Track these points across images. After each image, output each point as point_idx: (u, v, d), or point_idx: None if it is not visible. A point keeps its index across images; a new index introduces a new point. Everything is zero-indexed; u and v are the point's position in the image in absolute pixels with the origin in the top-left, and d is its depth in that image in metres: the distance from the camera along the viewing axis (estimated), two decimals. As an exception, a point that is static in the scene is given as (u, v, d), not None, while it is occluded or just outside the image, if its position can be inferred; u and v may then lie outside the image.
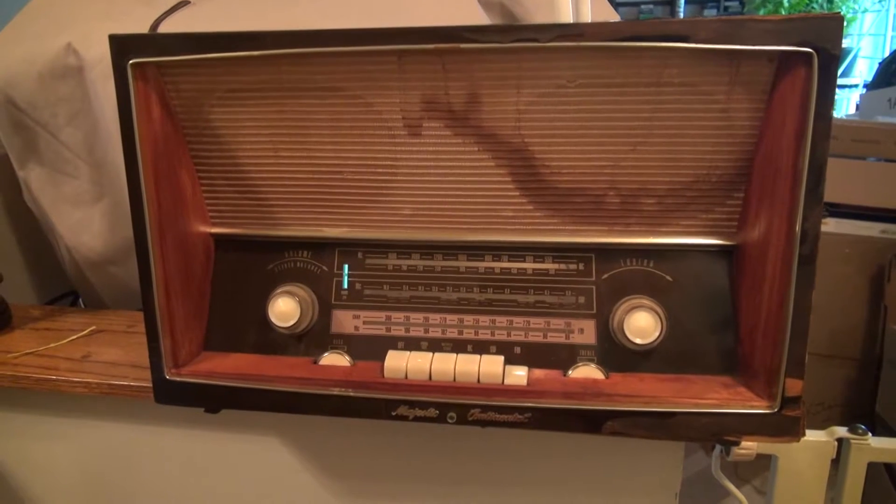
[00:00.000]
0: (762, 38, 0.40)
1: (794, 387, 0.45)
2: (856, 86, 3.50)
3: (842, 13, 0.38)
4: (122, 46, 0.47)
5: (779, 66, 0.41)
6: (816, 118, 0.40)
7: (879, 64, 3.02)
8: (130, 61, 0.46)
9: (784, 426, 0.46)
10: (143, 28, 0.70)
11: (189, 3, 0.71)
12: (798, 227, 0.42)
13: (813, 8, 3.37)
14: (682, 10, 4.52)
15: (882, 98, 2.20)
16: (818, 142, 0.41)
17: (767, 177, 0.44)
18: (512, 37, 0.42)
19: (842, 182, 1.58)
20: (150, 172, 0.49)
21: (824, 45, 0.39)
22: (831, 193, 1.63)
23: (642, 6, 4.75)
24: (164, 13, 0.69)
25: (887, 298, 1.51)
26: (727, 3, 4.54)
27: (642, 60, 0.43)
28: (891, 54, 2.93)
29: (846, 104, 3.42)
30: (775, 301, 0.44)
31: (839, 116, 2.83)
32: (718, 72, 0.42)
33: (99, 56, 0.67)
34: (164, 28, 0.69)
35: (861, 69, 3.63)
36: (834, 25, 0.39)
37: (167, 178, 0.50)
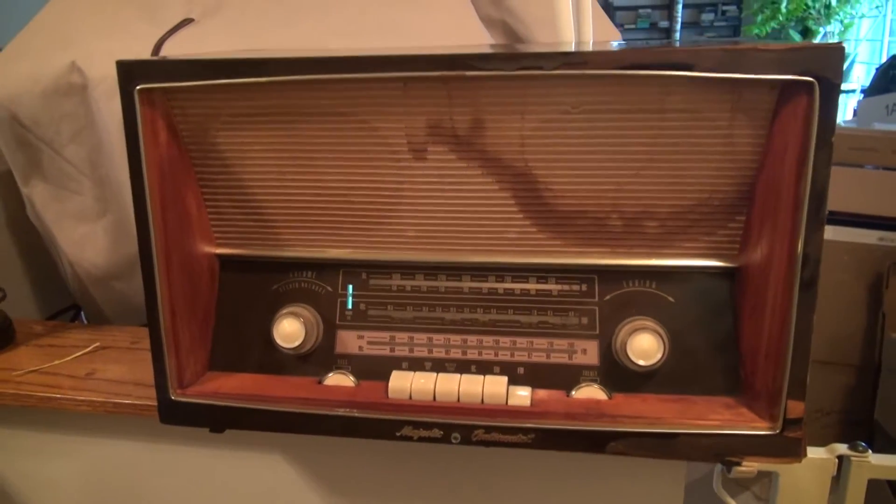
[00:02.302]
0: (764, 67, 0.40)
1: (795, 408, 0.45)
2: (853, 91, 3.51)
3: (843, 43, 0.39)
4: (129, 72, 0.47)
5: (780, 94, 0.42)
6: (818, 145, 0.41)
7: (877, 70, 3.04)
8: (137, 87, 0.47)
9: (786, 447, 0.46)
10: (146, 46, 0.70)
11: (193, 20, 0.72)
12: (799, 252, 0.43)
13: (810, 14, 3.39)
14: (679, 13, 4.53)
15: (880, 104, 2.21)
16: (819, 169, 0.41)
17: (769, 202, 0.44)
18: (517, 65, 0.43)
19: (839, 190, 1.59)
20: (157, 196, 0.49)
21: (825, 73, 0.40)
22: (830, 201, 1.64)
23: (640, 10, 4.77)
24: (168, 31, 0.70)
25: (886, 306, 1.52)
26: (724, 8, 4.56)
27: (645, 88, 0.43)
28: (888, 60, 2.94)
29: (844, 109, 3.43)
30: (777, 324, 0.45)
31: (837, 123, 2.84)
32: (721, 99, 0.43)
33: (102, 74, 0.68)
34: (168, 46, 0.70)
35: (858, 74, 3.65)
36: (836, 55, 0.39)
37: (173, 200, 0.50)
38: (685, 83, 0.42)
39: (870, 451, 0.56)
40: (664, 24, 4.64)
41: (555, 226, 0.50)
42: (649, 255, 0.50)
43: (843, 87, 3.53)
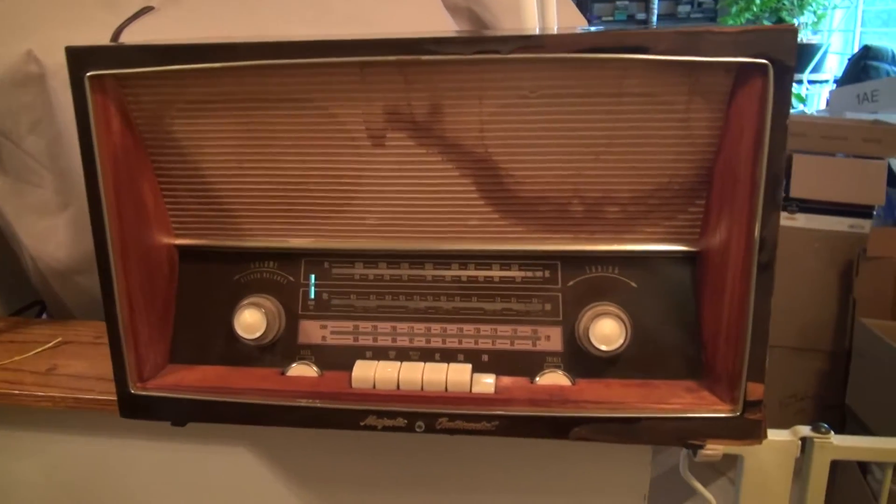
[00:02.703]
0: (719, 49, 0.40)
1: (755, 391, 0.46)
2: (826, 81, 3.55)
3: (796, 25, 0.39)
4: (79, 58, 0.46)
5: (736, 77, 0.42)
6: (773, 128, 0.41)
7: (849, 60, 3.08)
8: (88, 73, 0.46)
9: (746, 429, 0.47)
10: (105, 34, 0.68)
11: (153, 8, 0.70)
12: (756, 235, 0.43)
13: (783, 5, 3.42)
14: (656, 5, 4.55)
15: (851, 94, 2.24)
16: (775, 151, 0.41)
17: (727, 185, 0.44)
18: (473, 48, 0.42)
19: (811, 178, 1.60)
20: (111, 185, 0.48)
21: (779, 56, 0.40)
22: (802, 189, 1.66)
23: (617, 2, 4.78)
24: (127, 20, 0.68)
25: (856, 292, 1.54)
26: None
27: (602, 71, 0.43)
28: (859, 50, 2.98)
29: (817, 99, 3.47)
30: (736, 307, 0.45)
31: (810, 113, 2.87)
32: (677, 82, 0.43)
33: (60, 63, 0.66)
34: (127, 34, 0.68)
35: (831, 65, 3.69)
36: (788, 37, 0.39)
37: (128, 190, 0.49)
38: (642, 66, 0.42)
39: (832, 433, 0.57)
40: (641, 16, 4.66)
41: (517, 212, 0.49)
42: (611, 241, 0.50)
43: (817, 77, 3.58)
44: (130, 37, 0.69)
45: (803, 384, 1.70)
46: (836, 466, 1.58)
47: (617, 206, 0.48)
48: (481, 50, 0.42)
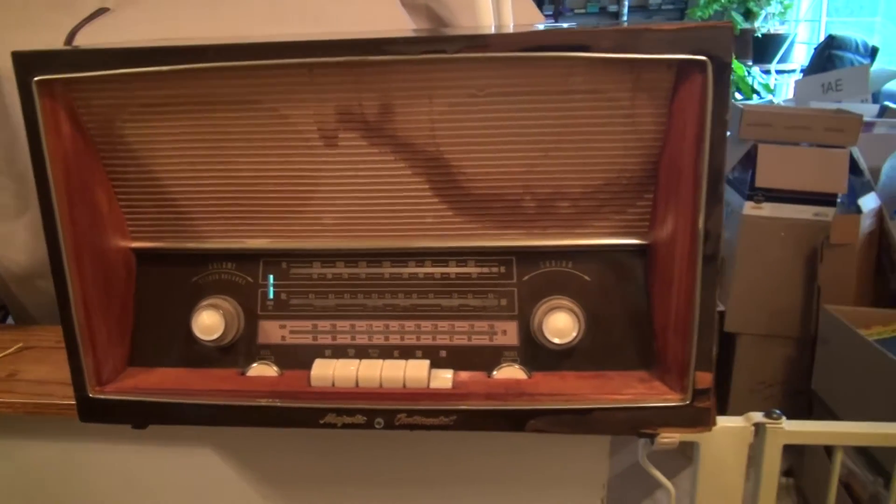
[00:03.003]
0: (659, 46, 0.41)
1: (703, 379, 0.47)
2: (794, 71, 3.60)
3: (732, 22, 0.40)
4: (26, 63, 0.46)
5: (677, 74, 0.43)
6: (713, 123, 0.42)
7: (815, 50, 3.12)
8: (35, 78, 0.45)
9: (696, 417, 0.48)
10: (59, 37, 0.68)
11: (108, 10, 0.70)
12: (700, 228, 0.44)
13: (752, -3, 3.46)
14: (627, -2, 4.57)
15: (816, 84, 2.28)
16: (716, 145, 0.42)
17: (672, 179, 0.45)
18: (420, 49, 0.43)
19: (777, 168, 1.63)
20: (63, 190, 0.48)
21: (717, 52, 0.41)
22: (767, 179, 1.68)
23: (589, -2, 4.79)
24: (82, 21, 0.68)
25: (820, 279, 1.57)
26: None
27: (548, 69, 0.44)
28: (824, 40, 3.03)
29: (785, 89, 3.52)
30: (683, 298, 0.46)
31: (778, 102, 2.92)
32: (621, 79, 0.44)
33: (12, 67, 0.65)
34: (82, 36, 0.68)
35: (799, 55, 3.74)
36: (725, 34, 0.40)
37: (81, 194, 0.49)
38: (586, 64, 0.43)
39: (784, 419, 0.58)
40: (613, 7, 4.69)
41: (471, 209, 0.50)
42: (564, 236, 0.51)
43: (784, 67, 3.63)
44: (85, 38, 0.68)
45: (771, 370, 1.73)
46: (803, 450, 1.61)
47: (568, 202, 0.49)
48: (428, 50, 0.43)
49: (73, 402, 0.55)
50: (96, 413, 0.52)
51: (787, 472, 1.62)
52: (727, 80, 0.41)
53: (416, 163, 0.48)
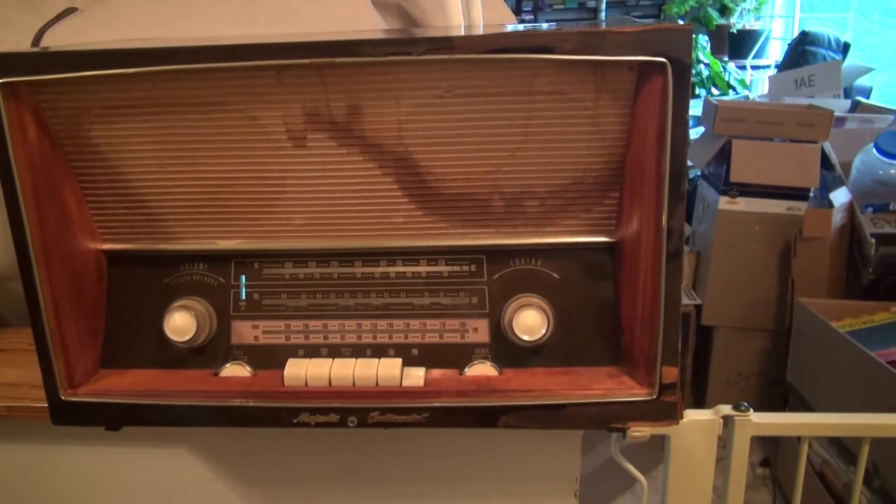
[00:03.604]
0: (620, 48, 0.42)
1: (670, 374, 0.48)
2: (768, 66, 3.65)
3: (691, 25, 0.41)
4: (-11, 65, 0.45)
5: (639, 75, 0.44)
6: (674, 123, 0.43)
7: (788, 45, 3.16)
8: (0, 80, 0.45)
9: (663, 411, 0.49)
10: (26, 36, 0.67)
11: (76, 9, 0.69)
12: (664, 225, 0.45)
13: (726, -9, 3.50)
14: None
15: (790, 79, 2.31)
16: (677, 146, 0.43)
17: (636, 178, 0.46)
18: (385, 50, 0.43)
19: (750, 162, 1.65)
20: (30, 193, 0.48)
21: (677, 54, 0.41)
22: (741, 174, 1.71)
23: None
24: (50, 21, 0.67)
25: (794, 272, 1.60)
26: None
27: (513, 71, 0.44)
28: (798, 36, 3.07)
29: (760, 85, 3.56)
30: (648, 294, 0.47)
31: (753, 98, 2.95)
32: (585, 80, 0.44)
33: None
34: (49, 36, 0.67)
35: (773, 50, 3.79)
36: (684, 36, 0.41)
37: (49, 197, 0.49)
38: (549, 66, 0.44)
39: (751, 410, 0.60)
40: (592, 3, 4.71)
41: (440, 208, 0.51)
42: (532, 234, 0.51)
43: (759, 63, 3.67)
44: (53, 38, 0.68)
45: (748, 363, 1.76)
46: (778, 441, 1.64)
47: (536, 201, 0.50)
48: (394, 52, 0.43)
49: (46, 405, 0.55)
50: (69, 416, 0.52)
51: (763, 463, 1.65)
52: (687, 81, 0.42)
53: (385, 163, 0.49)
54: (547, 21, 4.54)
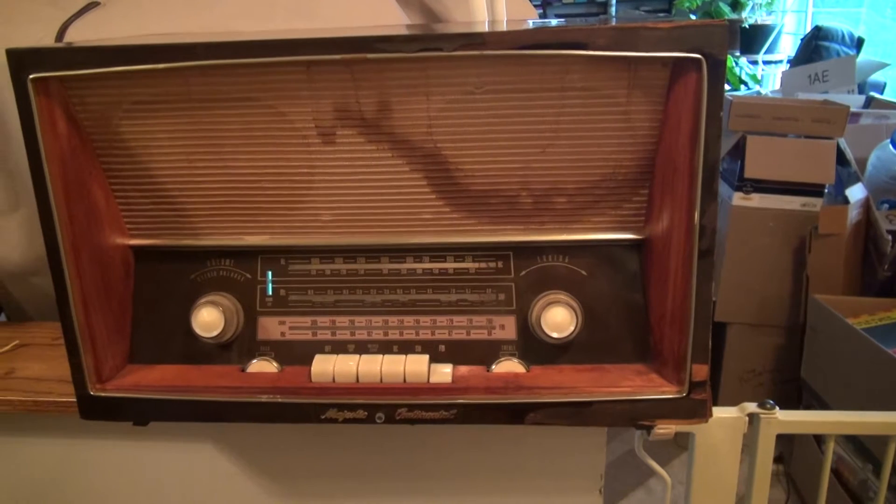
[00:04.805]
0: (655, 44, 0.41)
1: (699, 372, 0.48)
2: (781, 62, 3.62)
3: (725, 21, 0.40)
4: (21, 61, 0.45)
5: (672, 71, 0.43)
6: (708, 119, 0.42)
7: (801, 40, 3.14)
8: (31, 76, 0.45)
9: (692, 409, 0.49)
10: (50, 31, 0.67)
11: (98, 4, 0.69)
12: (696, 222, 0.45)
13: (739, -14, 3.47)
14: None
15: (803, 74, 2.29)
16: (710, 142, 0.43)
17: (667, 175, 0.46)
18: (417, 46, 0.43)
19: (765, 158, 1.64)
20: (60, 188, 0.48)
21: (711, 50, 0.41)
22: (755, 170, 1.70)
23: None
24: (73, 16, 0.67)
25: (809, 269, 1.59)
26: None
27: (544, 67, 0.44)
28: (811, 31, 3.05)
29: (772, 80, 3.54)
30: (679, 292, 0.47)
31: (765, 93, 2.93)
32: (617, 76, 0.44)
33: (3, 63, 0.65)
34: (73, 31, 0.67)
35: (785, 45, 3.76)
36: (720, 32, 0.41)
37: (78, 192, 0.49)
38: (582, 62, 0.43)
39: (777, 409, 0.59)
40: (601, -2, 4.68)
41: (468, 205, 0.50)
42: (560, 231, 0.51)
43: (772, 58, 3.64)
44: (76, 33, 0.68)
45: (761, 359, 1.75)
46: (793, 438, 1.63)
47: (565, 197, 0.50)
48: (425, 48, 0.43)
49: (73, 400, 0.55)
50: (97, 411, 0.52)
51: (776, 459, 1.65)
52: (722, 77, 0.41)
53: (414, 159, 0.49)
54: (556, 16, 4.51)
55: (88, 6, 0.69)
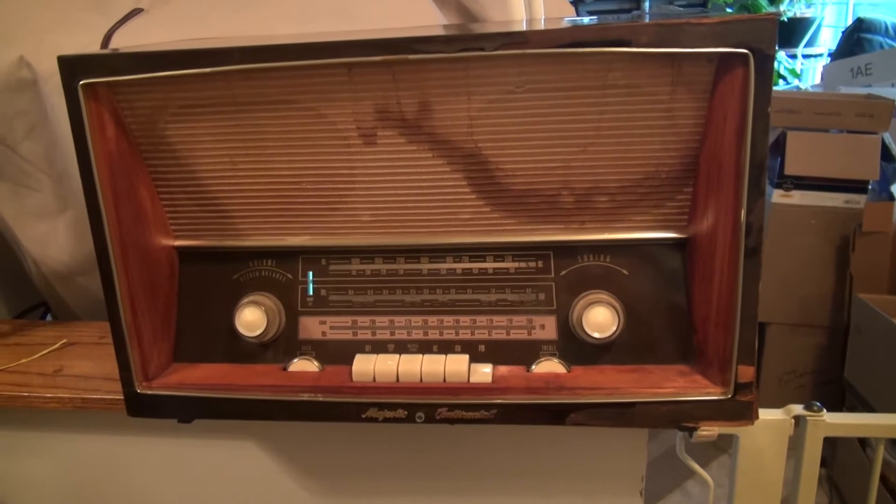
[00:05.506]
0: (700, 40, 0.41)
1: (745, 373, 0.47)
2: (821, 55, 3.53)
3: (774, 14, 0.39)
4: (71, 67, 0.47)
5: (718, 67, 0.43)
6: (755, 116, 0.41)
7: (842, 33, 3.06)
8: (81, 82, 0.46)
9: (738, 411, 0.48)
10: (96, 37, 0.69)
11: (142, 10, 0.71)
12: (743, 221, 0.44)
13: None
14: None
15: (845, 68, 2.23)
16: (758, 138, 0.42)
17: (712, 173, 0.45)
18: (458, 46, 0.43)
19: (806, 155, 1.61)
20: (108, 190, 0.49)
21: (759, 45, 0.40)
22: (796, 166, 1.66)
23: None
24: (118, 22, 0.69)
25: (852, 267, 1.55)
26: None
27: (586, 65, 0.44)
28: (853, 23, 2.97)
29: (812, 74, 3.46)
30: (725, 291, 0.46)
31: (804, 88, 2.86)
32: (661, 73, 0.43)
33: (52, 69, 0.66)
34: (118, 37, 0.69)
35: (825, 38, 3.67)
36: (768, 26, 0.40)
37: (126, 194, 0.50)
38: (625, 59, 0.43)
39: (825, 411, 0.58)
40: (632, -6, 4.62)
41: (508, 204, 0.50)
42: (602, 230, 0.51)
43: (811, 52, 3.56)
44: (121, 40, 0.69)
45: (802, 360, 1.72)
46: (836, 441, 1.60)
47: (606, 196, 0.49)
48: (466, 48, 0.43)
49: (119, 397, 0.57)
50: (143, 408, 0.53)
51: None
52: (770, 72, 0.40)
53: (454, 159, 0.49)
54: (588, 12, 4.47)
55: (133, 12, 0.71)
